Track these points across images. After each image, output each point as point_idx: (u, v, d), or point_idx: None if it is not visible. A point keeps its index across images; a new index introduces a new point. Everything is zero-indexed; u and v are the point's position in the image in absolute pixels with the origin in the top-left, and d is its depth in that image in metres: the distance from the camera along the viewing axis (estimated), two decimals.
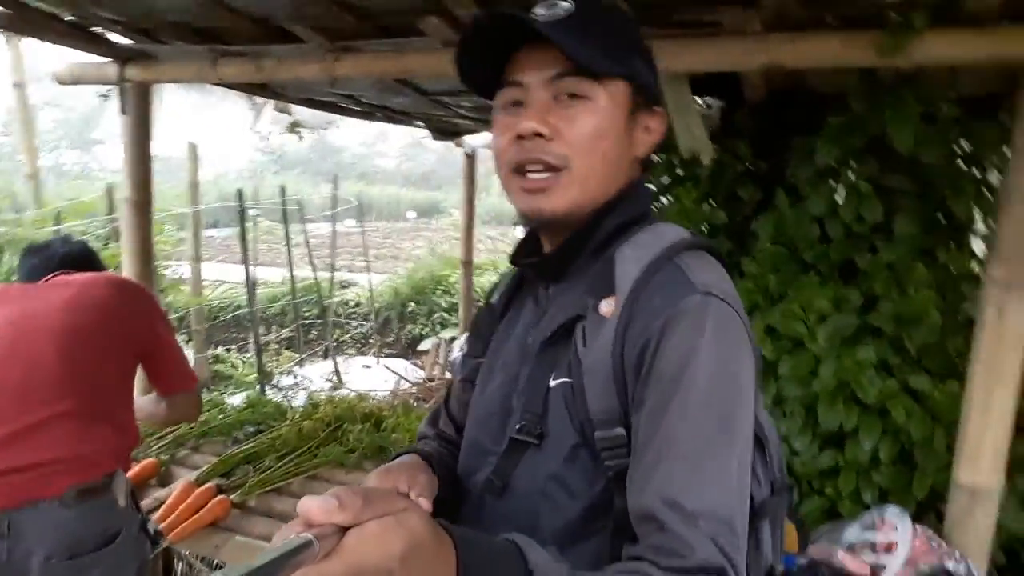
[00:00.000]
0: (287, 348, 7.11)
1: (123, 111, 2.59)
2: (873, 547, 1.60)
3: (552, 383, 0.82)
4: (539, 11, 0.82)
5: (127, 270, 2.84)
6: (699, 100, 2.55)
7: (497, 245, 14.26)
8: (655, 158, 2.37)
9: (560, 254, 0.87)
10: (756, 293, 2.19)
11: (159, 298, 5.11)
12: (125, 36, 2.55)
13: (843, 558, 1.51)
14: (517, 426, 0.83)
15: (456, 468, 0.97)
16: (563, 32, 0.78)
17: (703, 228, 2.33)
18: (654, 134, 0.89)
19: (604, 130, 0.82)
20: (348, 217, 11.32)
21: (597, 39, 0.81)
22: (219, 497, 2.13)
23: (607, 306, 0.78)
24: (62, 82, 2.64)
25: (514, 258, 0.96)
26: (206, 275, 7.11)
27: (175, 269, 6.87)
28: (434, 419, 1.12)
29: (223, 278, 8.65)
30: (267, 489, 2.22)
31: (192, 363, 5.84)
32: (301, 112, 3.65)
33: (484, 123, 3.56)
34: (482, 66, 0.86)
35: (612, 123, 0.82)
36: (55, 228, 4.55)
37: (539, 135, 0.80)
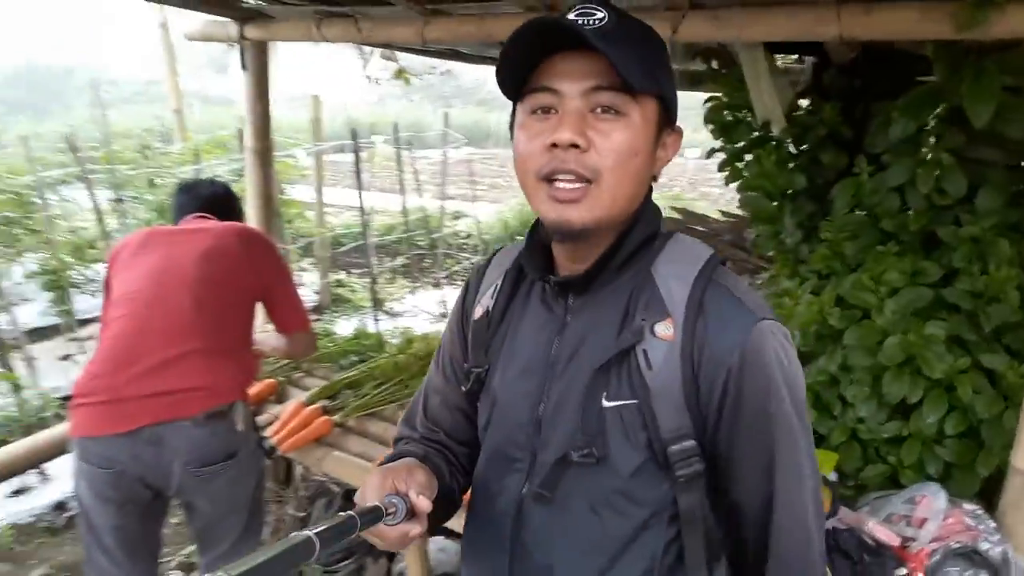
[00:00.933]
0: (402, 276, 7.56)
1: (243, 67, 2.85)
2: (909, 521, 1.65)
3: (606, 404, 0.86)
4: (574, 17, 0.81)
5: (250, 211, 3.18)
6: (790, 57, 2.47)
7: None
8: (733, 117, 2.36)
9: (595, 269, 0.89)
10: (832, 259, 2.18)
11: (284, 228, 5.59)
12: None
13: (873, 527, 1.58)
14: (577, 452, 0.86)
15: (444, 469, 1.03)
16: (610, 41, 0.78)
17: (784, 190, 2.31)
18: (670, 152, 0.91)
19: (637, 147, 0.83)
20: (464, 144, 11.51)
21: (638, 52, 0.81)
22: (323, 417, 2.45)
23: (665, 329, 0.84)
24: (191, 39, 2.93)
25: (538, 274, 0.95)
26: (331, 199, 7.60)
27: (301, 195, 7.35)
28: (410, 421, 1.13)
29: (348, 202, 9.15)
30: (364, 413, 2.52)
31: (316, 287, 6.38)
32: (406, 57, 3.82)
33: None
34: (514, 69, 0.85)
35: (644, 141, 0.84)
36: (195, 167, 5.03)
37: (574, 146, 0.81)
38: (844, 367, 2.11)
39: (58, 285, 4.61)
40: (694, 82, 2.58)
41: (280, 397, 2.70)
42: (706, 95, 2.45)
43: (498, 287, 1.01)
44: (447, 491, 1.01)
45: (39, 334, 5.16)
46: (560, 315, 0.92)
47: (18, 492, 3.35)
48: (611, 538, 0.88)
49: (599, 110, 0.82)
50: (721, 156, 2.51)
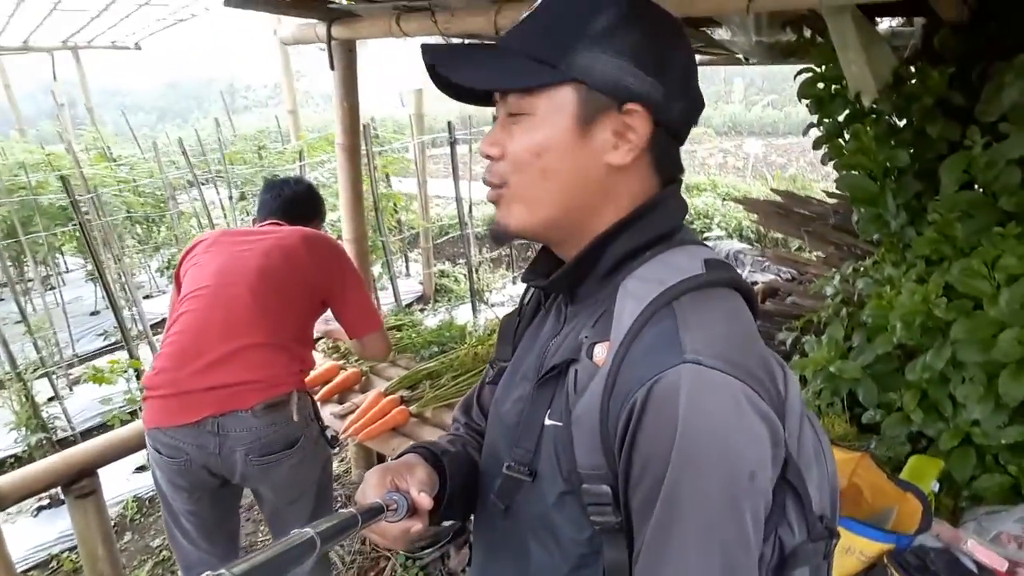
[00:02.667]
0: (505, 266, 7.61)
1: (331, 66, 2.94)
2: (1020, 543, 1.45)
3: (547, 421, 0.80)
4: None
5: (343, 207, 3.29)
6: (896, 20, 2.23)
7: (727, 160, 13.46)
8: (828, 89, 2.15)
9: (564, 278, 0.83)
10: (942, 243, 1.95)
11: (385, 220, 5.76)
12: None
13: (973, 547, 1.39)
14: (508, 463, 0.82)
15: (479, 461, 0.99)
16: (486, 56, 0.77)
17: (887, 168, 2.09)
18: (633, 134, 0.77)
19: (541, 145, 0.76)
20: None
21: (527, 43, 0.76)
22: (401, 407, 2.49)
23: (600, 353, 0.74)
24: (285, 43, 3.05)
25: (526, 275, 0.93)
26: (439, 191, 7.77)
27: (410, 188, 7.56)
28: (468, 407, 1.12)
29: (453, 193, 9.34)
30: (441, 404, 2.54)
31: (420, 278, 6.54)
32: None
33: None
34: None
35: (555, 135, 0.76)
36: (300, 164, 5.29)
37: (490, 156, 0.80)
38: (954, 363, 1.89)
39: None
40: (787, 55, 2.39)
41: (364, 387, 2.77)
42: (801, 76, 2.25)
43: (533, 289, 0.98)
44: (477, 483, 0.98)
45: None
46: (560, 323, 0.88)
47: (141, 468, 3.66)
48: (539, 571, 0.82)
49: (513, 114, 0.78)
50: (817, 133, 2.31)
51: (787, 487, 0.75)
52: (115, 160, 6.78)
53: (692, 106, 0.81)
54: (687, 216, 0.86)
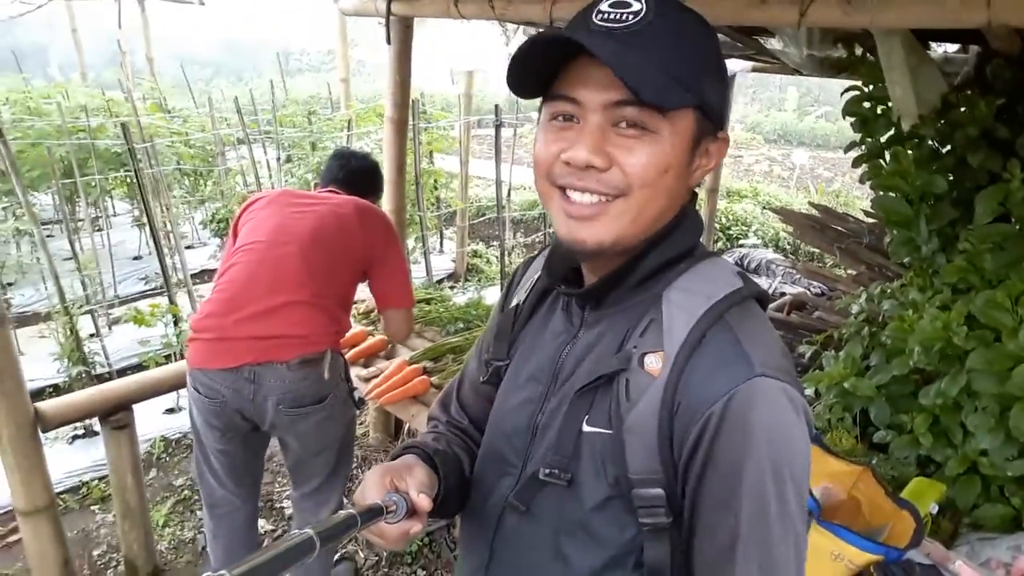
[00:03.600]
0: (537, 253, 7.62)
1: (388, 41, 3.01)
2: (1008, 571, 1.48)
3: (586, 428, 0.81)
4: (605, 8, 0.74)
5: (386, 175, 3.37)
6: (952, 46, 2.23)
7: (773, 169, 13.26)
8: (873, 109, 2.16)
9: (603, 285, 0.84)
10: (970, 273, 1.96)
11: (426, 197, 5.85)
12: None
13: (960, 567, 1.43)
14: (546, 470, 0.82)
15: (464, 459, 1.01)
16: (627, 51, 0.71)
17: (923, 193, 2.10)
18: (713, 160, 0.82)
19: (667, 165, 0.75)
20: None
21: (669, 59, 0.73)
22: (423, 377, 2.58)
23: (654, 363, 0.76)
24: (345, 13, 3.14)
25: (552, 281, 0.92)
26: (481, 172, 7.83)
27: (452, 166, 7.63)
28: (446, 404, 1.11)
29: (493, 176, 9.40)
30: None
31: (453, 256, 6.62)
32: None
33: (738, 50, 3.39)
34: (527, 77, 0.78)
35: (676, 157, 0.76)
36: (347, 134, 5.39)
37: (592, 166, 0.75)
38: (968, 392, 1.91)
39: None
40: (837, 69, 2.40)
41: (389, 354, 2.87)
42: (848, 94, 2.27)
43: (534, 283, 0.98)
44: (464, 481, 1.00)
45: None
46: (575, 326, 0.88)
47: (171, 411, 3.82)
48: (570, 570, 0.83)
49: (623, 124, 0.74)
50: (859, 151, 2.33)
51: None
52: (170, 111, 6.97)
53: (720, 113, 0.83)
54: (725, 222, 0.91)
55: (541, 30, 3.77)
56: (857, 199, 9.04)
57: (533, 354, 0.92)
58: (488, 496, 0.93)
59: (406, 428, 3.60)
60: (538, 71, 0.77)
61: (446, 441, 1.03)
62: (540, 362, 0.90)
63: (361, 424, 3.89)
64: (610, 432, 0.78)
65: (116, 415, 2.49)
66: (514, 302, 1.00)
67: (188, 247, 6.49)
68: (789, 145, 15.64)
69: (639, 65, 0.71)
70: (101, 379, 3.64)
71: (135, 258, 6.21)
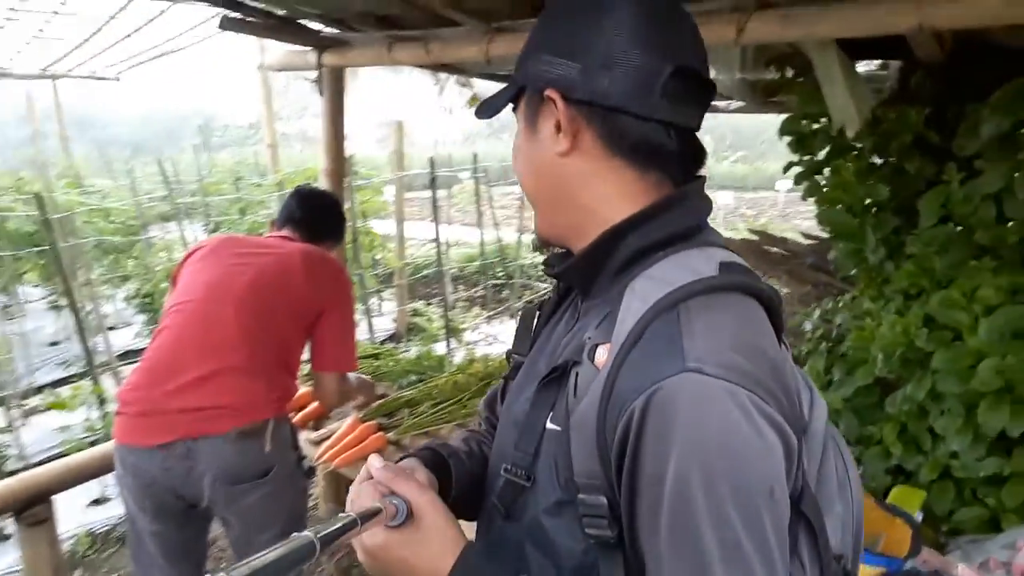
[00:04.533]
0: (480, 306, 7.61)
1: (320, 93, 2.95)
2: (1009, 569, 1.44)
3: (548, 425, 0.76)
4: None
5: None
6: (874, 62, 2.32)
7: (739, 210, 13.53)
8: (810, 126, 2.21)
9: (575, 270, 0.81)
10: (920, 277, 1.99)
11: (363, 254, 5.74)
12: (324, 25, 2.90)
13: (962, 572, 1.39)
14: (507, 466, 0.79)
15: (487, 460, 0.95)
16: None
17: (866, 204, 2.14)
18: (563, 118, 0.77)
19: (515, 152, 0.85)
20: None
21: (524, 58, 0.83)
22: (378, 434, 2.43)
23: (602, 355, 0.69)
24: (273, 69, 3.07)
25: (546, 265, 0.90)
26: (414, 233, 7.80)
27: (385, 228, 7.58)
28: (491, 400, 1.08)
29: (429, 235, 9.43)
30: (419, 432, 2.48)
31: (393, 316, 6.48)
32: (481, 84, 3.86)
33: None
34: None
35: (518, 142, 0.85)
36: (279, 194, 5.26)
37: None
38: (934, 395, 1.91)
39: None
40: (769, 94, 2.47)
41: (340, 414, 2.70)
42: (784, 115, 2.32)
43: (559, 284, 0.95)
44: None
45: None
46: (575, 319, 0.85)
47: (97, 502, 3.50)
48: None
49: None
50: (798, 170, 2.37)
51: (800, 519, 0.69)
52: (87, 189, 6.70)
53: (632, 74, 0.74)
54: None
55: (472, 79, 3.79)
56: (785, 231, 9.41)
57: (543, 350, 0.89)
58: (490, 495, 0.88)
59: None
60: None
61: (476, 441, 1.00)
62: (544, 356, 0.87)
63: (311, 497, 3.65)
64: (560, 430, 0.73)
65: (32, 509, 2.22)
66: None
67: (111, 328, 6.14)
68: (710, 189, 16.29)
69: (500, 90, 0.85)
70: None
71: (52, 344, 5.82)
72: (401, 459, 0.91)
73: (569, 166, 0.78)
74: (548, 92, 0.77)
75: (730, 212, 12.56)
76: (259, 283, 1.94)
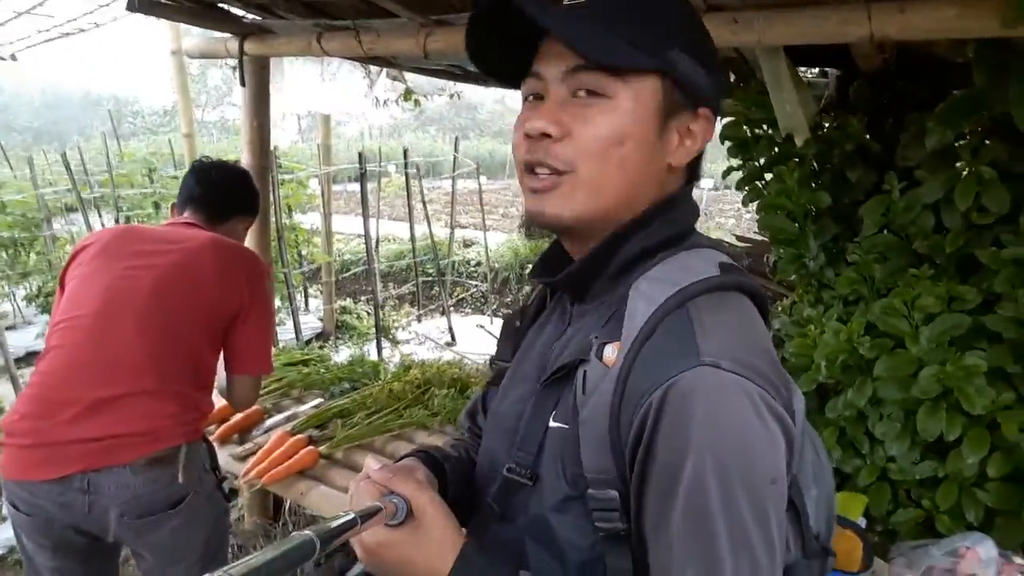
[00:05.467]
0: (410, 303, 7.46)
1: (242, 83, 2.77)
2: None
3: (552, 424, 0.77)
4: None
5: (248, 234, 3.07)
6: (812, 71, 2.34)
7: None
8: (753, 132, 2.22)
9: (577, 275, 0.81)
10: (860, 284, 2.02)
11: (289, 252, 5.49)
12: (247, 11, 2.72)
13: None
14: (511, 466, 0.79)
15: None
16: (575, 17, 0.72)
17: (807, 210, 2.16)
18: (698, 140, 0.78)
19: (623, 134, 0.73)
20: (475, 176, 11.55)
21: (623, 25, 0.72)
22: (309, 448, 2.29)
23: (611, 353, 0.72)
24: (191, 56, 2.86)
25: (533, 271, 0.90)
26: (341, 227, 7.55)
27: (311, 221, 7.32)
28: (473, 412, 1.08)
29: (357, 230, 9.14)
30: (353, 444, 2.36)
31: (320, 314, 6.25)
32: (413, 78, 3.74)
33: None
34: (506, 55, 0.79)
35: (635, 126, 0.73)
36: None
37: (547, 135, 0.74)
38: (874, 401, 1.94)
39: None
40: None
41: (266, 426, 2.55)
42: (725, 119, 2.31)
43: (538, 287, 0.96)
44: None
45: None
46: (565, 323, 0.85)
47: None
48: None
49: (582, 93, 0.73)
50: (738, 176, 2.38)
51: (787, 502, 0.73)
52: None
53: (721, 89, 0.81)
54: None
55: (405, 72, 3.66)
56: (709, 231, 9.64)
57: (528, 354, 0.89)
58: (483, 499, 0.88)
59: (286, 507, 3.23)
60: (510, 56, 0.78)
61: (464, 447, 1.01)
62: (532, 360, 0.87)
63: (237, 508, 3.45)
64: (568, 427, 0.74)
65: None
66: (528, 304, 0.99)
67: (10, 327, 5.68)
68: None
69: (589, 28, 0.71)
70: None
71: None
72: (400, 459, 0.93)
73: (662, 175, 0.79)
74: (703, 110, 0.78)
75: None
76: (162, 290, 1.70)
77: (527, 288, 8.28)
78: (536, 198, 0.77)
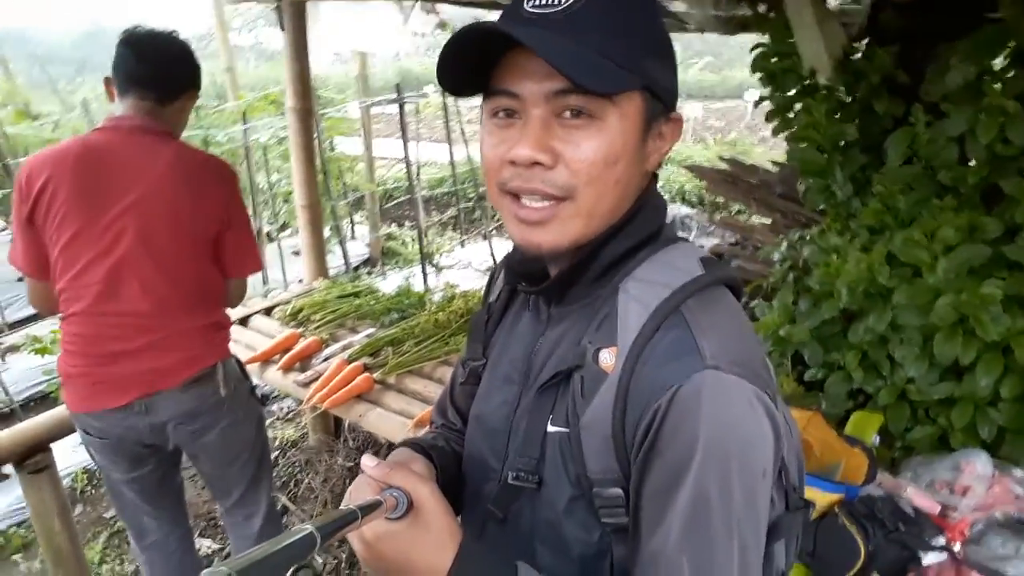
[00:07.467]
0: (452, 228, 7.58)
1: (282, 27, 2.85)
2: (952, 488, 1.59)
3: (550, 428, 0.78)
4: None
5: (295, 171, 3.23)
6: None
7: (708, 122, 13.41)
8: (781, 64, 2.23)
9: (559, 282, 0.81)
10: (885, 214, 2.07)
11: (333, 184, 5.62)
12: None
13: (912, 494, 1.53)
14: (513, 473, 0.80)
15: (460, 458, 0.97)
16: (560, 37, 0.68)
17: (835, 142, 2.19)
18: (668, 141, 0.79)
19: (616, 155, 0.72)
20: None
21: (606, 42, 0.69)
22: (365, 374, 2.51)
23: (607, 359, 0.73)
24: (232, 2, 2.94)
25: (510, 278, 0.91)
26: (382, 152, 7.61)
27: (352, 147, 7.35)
28: (443, 409, 1.09)
29: (398, 154, 9.13)
30: (404, 370, 2.57)
31: (367, 241, 6.43)
32: (448, 10, 3.75)
33: None
34: (465, 68, 0.74)
35: (625, 144, 0.72)
36: (243, 127, 5.07)
37: (537, 163, 0.71)
38: (894, 326, 2.03)
39: None
40: (742, 26, 2.45)
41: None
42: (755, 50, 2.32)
43: (501, 282, 0.96)
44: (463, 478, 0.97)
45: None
46: (543, 324, 0.86)
47: None
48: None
49: (567, 114, 0.71)
50: (769, 105, 2.40)
51: None
52: (36, 118, 6.40)
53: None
54: None
55: (438, 3, 3.67)
56: (753, 145, 9.41)
57: (505, 354, 0.90)
58: (474, 503, 0.90)
59: (345, 425, 3.51)
60: (472, 67, 0.74)
61: (444, 439, 1.02)
62: (513, 362, 0.88)
63: (300, 427, 3.76)
64: (567, 431, 0.76)
65: (33, 458, 2.29)
66: (488, 302, 0.98)
67: None
68: (679, 99, 16.04)
69: (574, 50, 0.68)
70: (3, 417, 3.35)
71: (19, 279, 5.70)
72: (395, 447, 0.94)
73: (642, 180, 0.79)
74: (675, 114, 0.79)
75: (699, 124, 12.46)
76: (151, 240, 1.78)
77: None
78: (529, 229, 0.75)
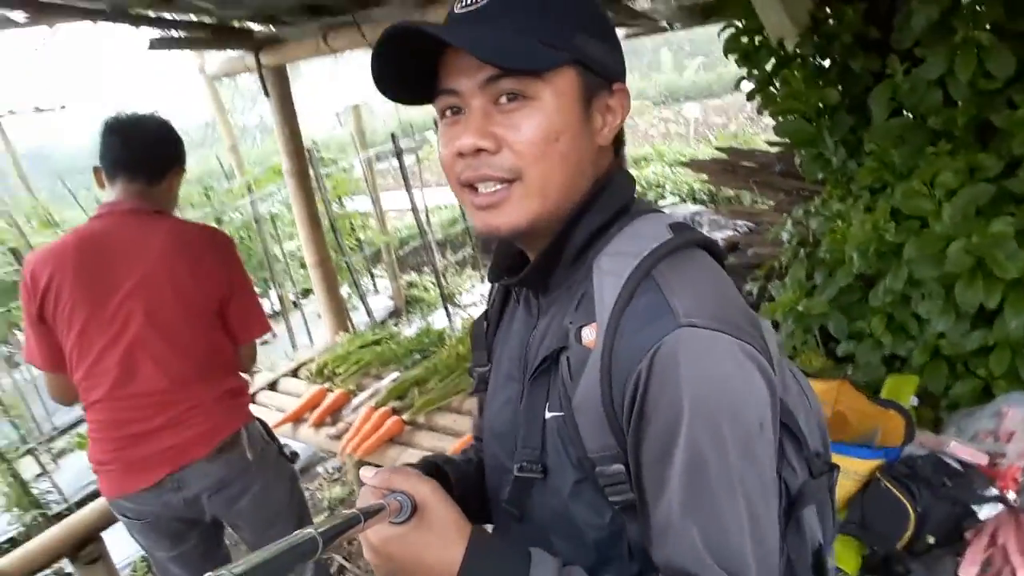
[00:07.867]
0: (471, 267, 7.63)
1: (266, 94, 2.94)
2: (996, 436, 1.53)
3: (548, 415, 0.78)
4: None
5: (301, 232, 3.29)
6: None
7: (669, 128, 13.62)
8: (752, 41, 2.22)
9: (537, 270, 0.81)
10: (882, 171, 2.03)
11: (342, 241, 5.71)
12: (257, 24, 2.86)
13: (955, 447, 1.47)
14: (519, 464, 0.80)
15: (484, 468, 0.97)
16: (481, 27, 0.71)
17: (819, 108, 2.17)
18: (618, 114, 0.80)
19: (556, 130, 0.73)
20: None
21: (530, 23, 0.72)
22: (394, 418, 2.51)
23: (589, 336, 0.73)
24: (215, 77, 3.06)
25: (491, 274, 0.92)
26: (392, 204, 7.73)
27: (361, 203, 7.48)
28: (476, 423, 1.08)
29: (408, 204, 9.29)
30: (432, 408, 2.57)
31: (390, 292, 6.47)
32: None
33: None
34: (409, 77, 0.77)
35: (565, 119, 0.74)
36: (250, 199, 5.20)
37: (482, 150, 0.73)
38: (912, 282, 1.97)
39: None
40: (706, 14, 2.46)
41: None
42: (724, 32, 2.32)
43: (496, 286, 0.97)
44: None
45: None
46: (534, 316, 0.86)
47: None
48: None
49: (504, 100, 0.73)
50: (750, 85, 2.39)
51: (783, 429, 0.76)
52: (59, 225, 6.62)
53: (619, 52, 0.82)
54: (640, 189, 0.87)
55: None
56: (755, 135, 9.37)
57: (505, 353, 0.90)
58: (497, 506, 0.90)
59: None
60: (412, 74, 0.77)
61: (475, 450, 1.02)
62: (512, 360, 0.88)
63: (344, 485, 3.77)
64: (563, 414, 0.76)
65: (85, 549, 2.32)
66: (486, 308, 0.99)
67: None
68: (677, 102, 16.10)
69: (496, 35, 0.71)
70: (61, 518, 3.40)
71: None
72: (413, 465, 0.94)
73: (595, 157, 0.80)
74: (618, 85, 0.80)
75: (700, 124, 12.45)
76: (158, 318, 1.81)
77: None
78: (486, 214, 0.77)
